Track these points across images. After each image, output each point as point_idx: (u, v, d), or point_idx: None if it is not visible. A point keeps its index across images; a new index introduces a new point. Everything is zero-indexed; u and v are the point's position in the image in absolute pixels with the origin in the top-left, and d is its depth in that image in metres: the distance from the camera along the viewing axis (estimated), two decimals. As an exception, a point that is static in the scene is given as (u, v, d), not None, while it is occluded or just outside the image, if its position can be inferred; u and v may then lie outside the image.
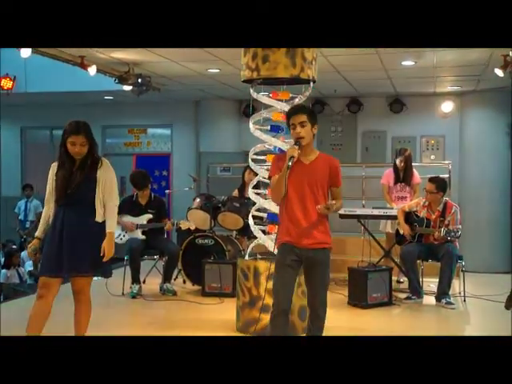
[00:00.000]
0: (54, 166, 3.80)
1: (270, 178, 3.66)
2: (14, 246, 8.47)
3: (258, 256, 5.03)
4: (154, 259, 6.70)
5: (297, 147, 3.47)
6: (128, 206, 6.29)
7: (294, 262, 3.53)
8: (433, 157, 9.77)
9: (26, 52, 5.89)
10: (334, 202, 3.50)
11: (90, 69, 6.85)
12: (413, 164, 6.96)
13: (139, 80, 7.45)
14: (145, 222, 6.22)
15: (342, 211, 6.58)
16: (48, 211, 3.80)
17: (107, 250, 3.70)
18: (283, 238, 3.57)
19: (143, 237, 6.19)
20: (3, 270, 7.67)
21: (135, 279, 6.12)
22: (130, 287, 6.11)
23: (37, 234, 3.81)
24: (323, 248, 3.54)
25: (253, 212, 5.05)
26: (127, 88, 7.62)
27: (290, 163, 3.41)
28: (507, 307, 3.81)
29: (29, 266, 7.95)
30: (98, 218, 3.73)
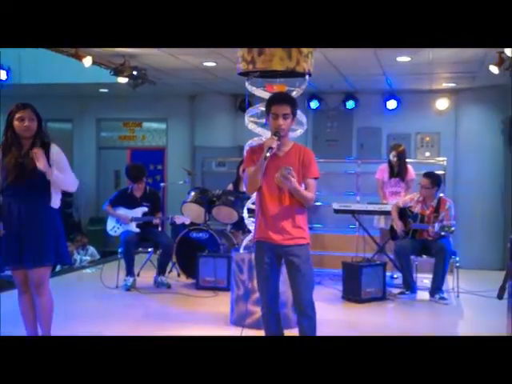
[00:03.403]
0: None
1: (243, 171, 3.52)
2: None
3: (253, 249, 5.03)
4: (149, 252, 6.70)
5: (276, 138, 3.32)
6: (123, 199, 6.30)
7: (271, 259, 3.40)
8: (428, 153, 9.79)
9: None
10: (290, 167, 3.27)
11: (84, 60, 6.81)
12: (408, 160, 6.99)
13: (135, 72, 7.42)
14: (139, 215, 6.21)
15: (336, 206, 6.63)
16: None
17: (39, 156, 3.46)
18: (258, 235, 3.45)
19: (137, 230, 6.18)
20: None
21: (129, 272, 6.11)
22: (124, 280, 6.11)
23: None
24: (299, 244, 3.38)
25: (248, 205, 5.05)
26: (123, 80, 7.59)
27: (268, 154, 3.27)
28: (500, 297, 3.85)
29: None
30: (54, 204, 3.59)
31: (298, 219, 3.40)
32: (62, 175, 3.60)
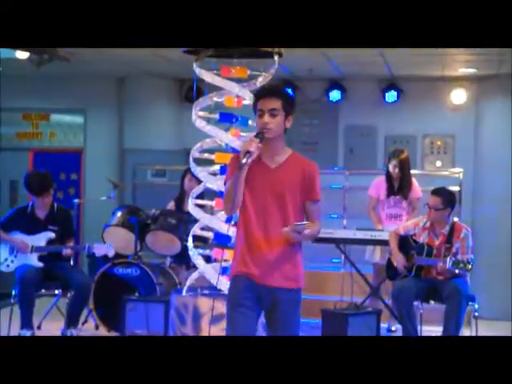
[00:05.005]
0: None
1: (225, 183, 3.62)
2: None
3: (201, 291, 5.03)
4: (55, 295, 6.62)
5: (257, 140, 3.42)
6: (20, 220, 6.28)
7: (251, 301, 3.52)
8: (439, 163, 9.95)
9: None
10: (306, 222, 3.47)
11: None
12: (412, 172, 7.09)
13: (40, 46, 7.38)
14: (43, 244, 6.19)
15: (315, 233, 6.68)
16: None
17: None
18: (238, 268, 3.56)
19: (40, 264, 6.16)
20: None
21: (26, 323, 6.08)
22: (19, 334, 6.03)
23: None
24: (291, 289, 3.55)
25: (195, 231, 5.06)
26: (22, 56, 7.52)
27: (245, 161, 3.36)
28: None
29: None
30: None
31: (293, 254, 3.55)
32: None
